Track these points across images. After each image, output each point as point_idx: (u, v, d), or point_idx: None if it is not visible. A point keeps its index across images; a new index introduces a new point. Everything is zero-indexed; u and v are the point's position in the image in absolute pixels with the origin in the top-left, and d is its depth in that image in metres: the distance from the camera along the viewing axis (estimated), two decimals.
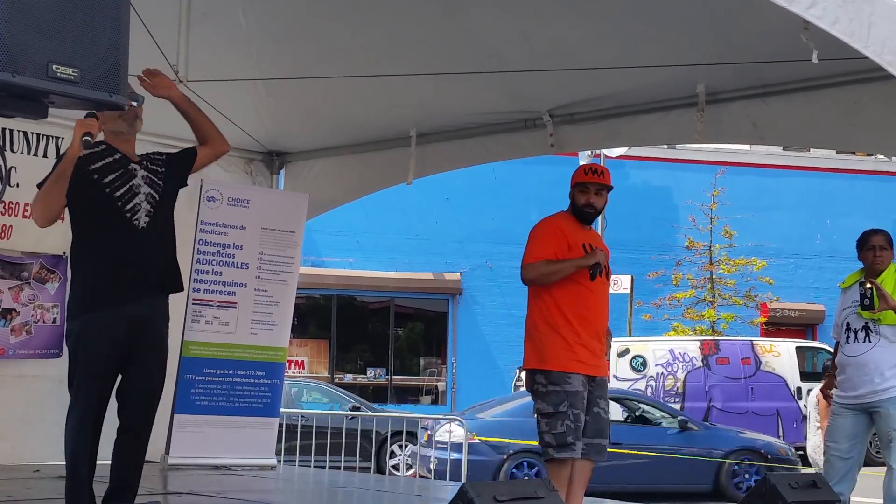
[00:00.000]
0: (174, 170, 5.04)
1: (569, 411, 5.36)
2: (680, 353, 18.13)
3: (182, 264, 7.56)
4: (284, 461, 9.92)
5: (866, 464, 6.61)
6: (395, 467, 14.72)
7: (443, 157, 7.95)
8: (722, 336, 20.93)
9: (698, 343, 18.61)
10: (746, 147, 23.85)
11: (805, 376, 18.20)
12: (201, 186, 7.74)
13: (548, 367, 5.46)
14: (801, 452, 17.85)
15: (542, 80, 6.58)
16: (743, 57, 5.83)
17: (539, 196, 23.88)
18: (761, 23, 5.20)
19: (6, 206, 7.38)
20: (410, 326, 25.03)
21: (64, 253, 7.12)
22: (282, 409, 8.58)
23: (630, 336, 21.16)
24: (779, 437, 17.84)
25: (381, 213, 22.03)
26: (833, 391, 6.62)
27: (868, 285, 6.30)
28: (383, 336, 24.35)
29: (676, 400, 17.70)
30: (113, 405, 4.78)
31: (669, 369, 17.88)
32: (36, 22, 2.82)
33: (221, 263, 7.81)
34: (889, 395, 6.25)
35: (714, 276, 22.96)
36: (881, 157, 24.51)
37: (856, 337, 6.40)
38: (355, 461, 13.14)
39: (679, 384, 17.78)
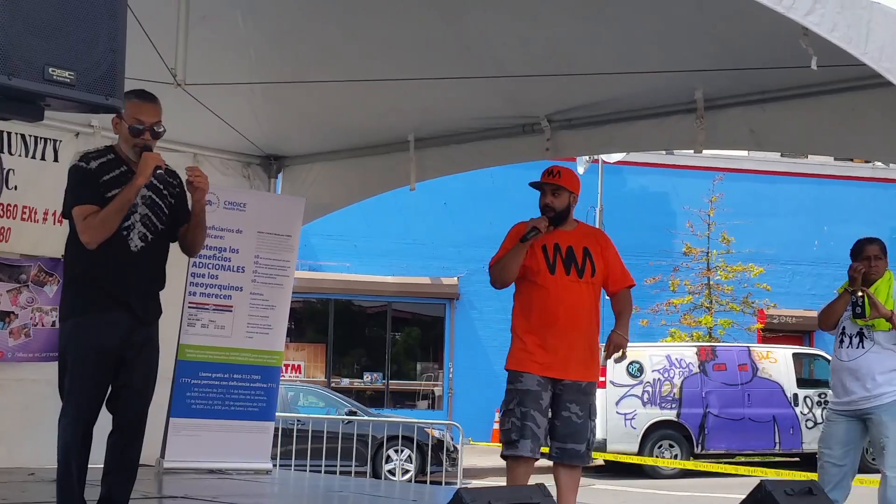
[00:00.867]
0: (179, 217, 4.95)
1: (516, 409, 5.43)
2: (677, 358, 18.12)
3: (178, 267, 7.62)
4: (280, 465, 9.91)
5: (861, 470, 6.61)
6: (391, 472, 14.71)
7: (440, 161, 7.95)
8: (719, 342, 20.93)
9: (695, 349, 18.59)
10: (744, 153, 23.88)
11: (802, 383, 18.20)
12: None
13: (507, 367, 5.63)
14: (798, 459, 17.90)
15: (539, 84, 6.59)
16: (741, 63, 5.83)
17: (536, 201, 23.89)
18: (759, 29, 5.20)
19: (4, 209, 7.37)
20: (407, 331, 25.01)
21: (62, 256, 7.11)
22: (278, 414, 8.57)
23: None
24: (775, 444, 17.85)
25: (378, 217, 22.02)
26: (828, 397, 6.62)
27: (860, 293, 6.33)
28: (380, 340, 24.33)
29: (673, 406, 17.70)
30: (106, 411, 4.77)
31: (666, 375, 17.86)
32: (32, 24, 2.82)
33: (218, 267, 7.81)
34: (881, 401, 6.26)
35: (711, 283, 22.96)
36: (879, 163, 24.52)
37: (850, 342, 6.43)
38: (351, 466, 13.14)
39: (676, 390, 17.77)
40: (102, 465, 4.75)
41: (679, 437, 17.62)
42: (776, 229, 25.03)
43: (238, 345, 7.86)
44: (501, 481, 13.80)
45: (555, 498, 4.54)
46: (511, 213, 6.68)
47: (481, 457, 18.77)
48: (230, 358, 7.84)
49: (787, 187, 25.59)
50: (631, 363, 17.76)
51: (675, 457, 17.30)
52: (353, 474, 12.28)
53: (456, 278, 24.02)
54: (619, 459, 16.63)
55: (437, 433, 14.58)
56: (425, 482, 13.06)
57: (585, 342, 5.68)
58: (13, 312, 7.66)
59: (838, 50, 4.34)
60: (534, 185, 5.89)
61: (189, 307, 7.67)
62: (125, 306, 4.66)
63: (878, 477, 6.33)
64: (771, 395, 17.99)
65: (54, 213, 7.20)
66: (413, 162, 7.77)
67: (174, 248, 5.05)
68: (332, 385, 22.19)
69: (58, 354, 4.80)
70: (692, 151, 6.71)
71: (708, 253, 23.02)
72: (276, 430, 8.70)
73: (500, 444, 5.50)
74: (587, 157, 21.05)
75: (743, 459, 17.71)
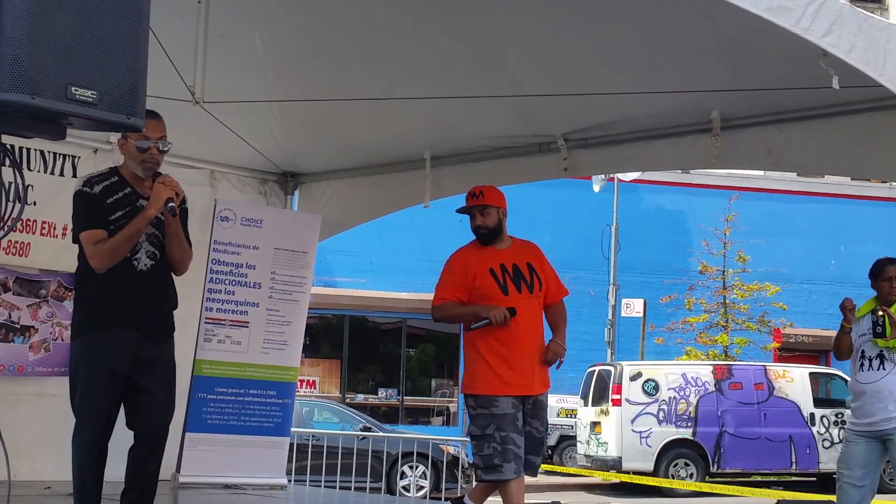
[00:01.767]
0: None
1: (496, 433, 5.43)
2: (692, 377, 18.06)
3: (195, 283, 7.66)
4: (295, 481, 9.91)
5: (880, 491, 6.57)
6: (406, 488, 14.69)
7: (456, 179, 7.96)
8: (735, 361, 20.85)
9: (711, 367, 18.54)
10: (760, 172, 23.83)
11: (818, 402, 18.12)
12: (215, 206, 7.78)
13: (476, 392, 5.57)
14: (815, 479, 17.80)
15: (556, 104, 6.60)
16: (757, 84, 5.84)
17: (551, 219, 23.90)
18: (776, 50, 5.20)
19: (24, 224, 7.42)
20: (422, 347, 25.01)
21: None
22: (293, 429, 8.58)
23: (642, 360, 21.10)
24: (792, 463, 17.76)
25: (393, 233, 22.05)
26: (847, 418, 6.58)
27: (881, 313, 6.30)
28: (395, 357, 24.33)
29: (689, 424, 17.64)
30: (120, 425, 4.77)
31: (682, 393, 17.80)
32: (55, 44, 2.85)
33: (234, 283, 7.83)
34: None
35: (727, 301, 22.90)
36: None
37: (870, 365, 6.38)
38: (366, 481, 13.13)
39: (691, 409, 17.71)
40: (123, 481, 4.76)
41: (695, 455, 17.56)
42: (792, 248, 24.96)
43: (254, 360, 7.88)
44: None
45: None
46: (526, 231, 6.69)
47: None
48: (246, 373, 7.86)
49: (804, 206, 25.53)
50: (647, 381, 17.72)
51: (691, 475, 17.23)
52: (367, 490, 12.27)
53: None
54: (634, 481, 16.56)
55: (452, 449, 14.56)
56: (440, 499, 13.03)
57: (541, 356, 5.75)
58: (33, 327, 7.70)
59: (856, 71, 4.35)
60: (461, 211, 5.96)
61: (205, 323, 7.70)
62: (133, 326, 4.68)
63: None
64: (787, 414, 17.92)
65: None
66: (429, 180, 7.79)
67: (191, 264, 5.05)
68: (347, 401, 22.18)
69: (69, 373, 4.81)
70: (708, 170, 6.71)
71: (724, 272, 22.98)
72: (291, 445, 8.70)
73: (475, 469, 5.50)
74: (603, 176, 21.07)
75: (759, 479, 17.62)
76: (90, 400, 4.64)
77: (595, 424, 18.05)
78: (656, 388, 17.76)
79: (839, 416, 17.38)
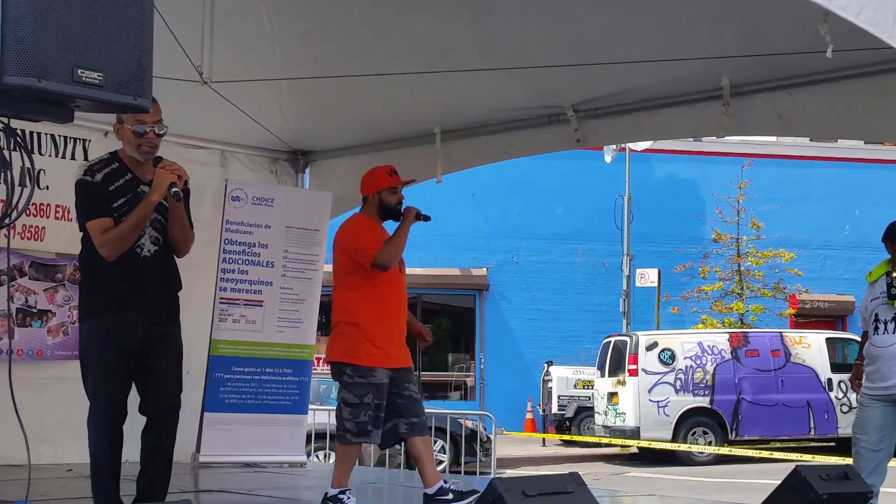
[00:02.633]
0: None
1: (372, 402, 5.70)
2: (709, 345, 18.05)
3: (209, 264, 7.67)
4: (314, 458, 9.95)
5: None
6: None
7: (467, 153, 7.95)
8: (751, 328, 20.83)
9: (727, 335, 18.51)
10: (773, 138, 23.71)
11: (835, 367, 18.07)
12: (226, 186, 7.79)
13: (356, 362, 5.78)
14: (833, 444, 17.80)
15: (565, 75, 6.58)
16: (767, 49, 5.80)
17: (563, 191, 23.87)
18: (784, 14, 5.18)
19: (38, 209, 7.46)
20: (438, 322, 25.04)
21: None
22: (310, 406, 8.61)
23: (658, 329, 21.09)
24: (810, 429, 17.76)
25: None
26: (862, 382, 6.57)
27: (895, 275, 6.27)
28: (411, 332, 24.36)
29: (706, 392, 17.64)
30: (134, 406, 4.79)
31: (698, 362, 17.80)
32: (60, 27, 2.84)
33: (247, 262, 7.85)
34: None
35: (742, 269, 22.84)
36: None
37: (885, 328, 6.36)
38: (385, 456, 13.16)
39: (708, 377, 17.70)
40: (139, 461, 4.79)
41: (713, 423, 17.56)
42: (807, 214, 24.86)
43: (269, 339, 7.91)
44: (534, 470, 13.81)
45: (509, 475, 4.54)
46: (539, 203, 6.65)
47: (514, 446, 18.83)
48: (262, 352, 7.89)
49: (817, 172, 25.40)
50: (662, 351, 17.72)
51: (710, 444, 17.25)
52: (386, 465, 12.31)
53: (485, 269, 24.03)
54: (653, 446, 16.61)
55: (470, 424, 14.59)
56: (459, 472, 13.08)
57: (405, 328, 6.21)
58: (50, 311, 7.75)
59: (865, 34, 4.32)
60: (389, 187, 6.26)
61: (220, 303, 7.73)
62: (139, 310, 4.69)
63: None
64: (805, 380, 17.90)
65: None
66: (440, 155, 7.78)
67: (197, 248, 5.06)
68: None
69: (79, 356, 4.82)
70: (720, 137, 6.69)
71: (738, 239, 22.91)
72: (310, 422, 8.74)
73: (342, 432, 5.74)
74: (614, 146, 21.00)
75: (778, 445, 17.63)
76: (101, 382, 4.66)
77: (612, 395, 18.08)
78: (672, 357, 17.76)
79: None
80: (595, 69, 6.39)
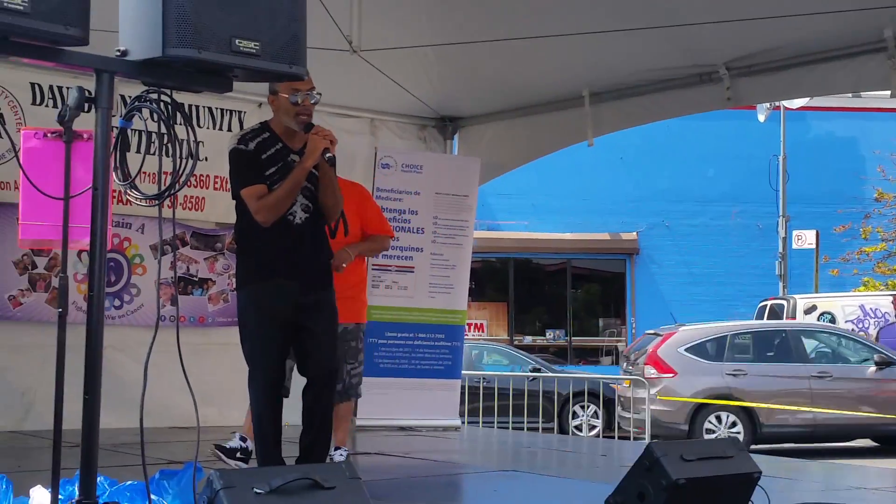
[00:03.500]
0: None
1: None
2: (871, 308, 17.47)
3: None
4: (468, 422, 10.05)
5: None
6: (578, 427, 14.74)
7: (616, 116, 7.85)
8: None
9: (891, 298, 17.87)
10: None
11: None
12: (376, 154, 7.89)
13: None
14: None
15: (716, 32, 6.42)
16: None
17: (715, 152, 23.34)
18: None
19: (198, 180, 7.73)
20: (587, 287, 24.90)
21: None
22: (463, 372, 8.69)
23: (816, 292, 20.51)
24: None
25: (554, 174, 21.92)
26: None
27: None
28: (561, 298, 24.30)
29: None
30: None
31: (860, 326, 17.24)
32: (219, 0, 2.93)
33: (398, 229, 7.93)
34: None
35: None
36: None
37: None
38: (538, 422, 13.21)
39: (871, 341, 17.13)
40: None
41: None
42: None
43: (421, 305, 8.00)
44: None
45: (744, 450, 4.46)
46: (689, 165, 6.50)
47: None
48: (414, 318, 7.99)
49: None
50: (822, 314, 17.24)
51: None
52: (540, 430, 12.36)
53: (635, 233, 23.75)
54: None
55: (622, 388, 14.49)
56: (612, 437, 13.03)
57: None
58: (211, 279, 8.04)
59: None
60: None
61: (373, 269, 7.84)
62: (293, 277, 4.79)
63: None
64: None
65: None
66: (589, 117, 7.71)
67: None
68: (515, 343, 22.31)
69: (238, 322, 4.95)
70: (883, 93, 6.42)
71: None
72: (462, 387, 8.82)
73: (355, 390, 6.21)
74: (768, 105, 20.42)
75: None
76: (259, 346, 4.79)
77: None
78: (833, 320, 17.26)
79: None
80: (748, 25, 6.21)
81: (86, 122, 3.04)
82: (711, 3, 6.15)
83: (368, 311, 7.80)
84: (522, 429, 11.77)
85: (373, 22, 6.33)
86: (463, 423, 8.75)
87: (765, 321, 17.02)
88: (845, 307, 17.49)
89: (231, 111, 7.86)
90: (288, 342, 4.84)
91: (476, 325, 22.80)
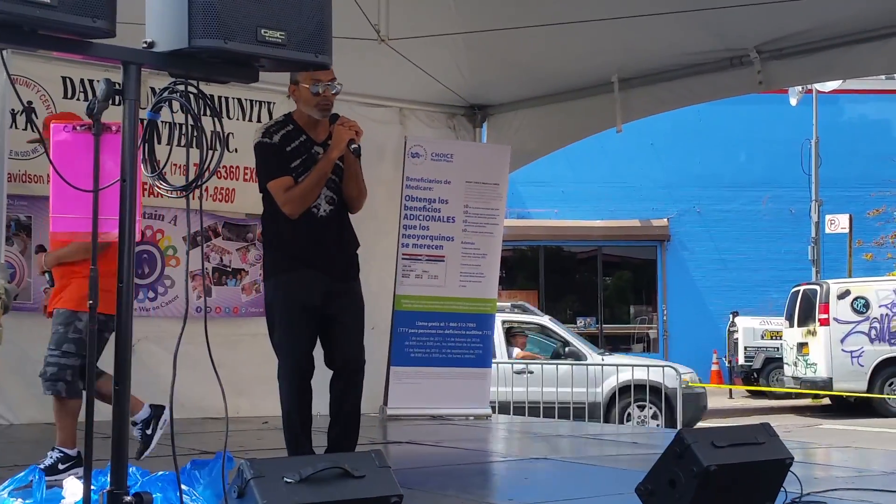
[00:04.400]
0: None
1: None
2: None
3: (391, 220, 7.80)
4: (499, 411, 10.04)
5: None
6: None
7: (646, 101, 7.80)
8: None
9: None
10: None
11: None
12: (405, 143, 7.88)
13: None
14: None
15: (747, 15, 6.35)
16: None
17: (746, 136, 23.15)
18: None
19: (228, 171, 7.76)
20: (619, 275, 24.80)
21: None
22: (494, 360, 8.68)
23: (850, 277, 20.33)
24: None
25: (584, 161, 21.83)
26: None
27: None
28: (592, 285, 24.23)
29: None
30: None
31: (894, 310, 17.07)
32: None
33: (428, 218, 7.94)
34: None
35: None
36: None
37: None
38: (569, 408, 13.14)
39: None
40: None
41: None
42: None
43: (452, 294, 8.00)
44: (720, 422, 13.54)
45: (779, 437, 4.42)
46: (720, 150, 6.44)
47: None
48: (445, 307, 7.99)
49: None
50: (856, 299, 17.08)
51: None
52: (570, 417, 12.31)
53: (666, 220, 23.61)
54: (851, 395, 16.09)
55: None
56: (659, 425, 12.97)
57: None
58: (244, 270, 8.08)
59: None
60: None
61: (403, 258, 7.85)
62: (320, 269, 4.80)
63: None
64: None
65: None
66: (618, 103, 7.67)
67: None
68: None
69: (265, 312, 4.96)
70: None
71: None
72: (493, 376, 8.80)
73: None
74: (800, 88, 20.22)
75: None
76: (287, 337, 4.80)
77: (802, 345, 17.55)
78: (867, 305, 17.09)
79: None
80: (779, 7, 6.14)
81: (116, 115, 3.05)
82: None
83: (398, 300, 7.84)
84: (554, 416, 11.74)
85: (400, 10, 6.31)
86: (494, 411, 8.72)
87: None
88: (879, 291, 17.30)
89: (260, 102, 7.88)
90: (315, 333, 4.85)
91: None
